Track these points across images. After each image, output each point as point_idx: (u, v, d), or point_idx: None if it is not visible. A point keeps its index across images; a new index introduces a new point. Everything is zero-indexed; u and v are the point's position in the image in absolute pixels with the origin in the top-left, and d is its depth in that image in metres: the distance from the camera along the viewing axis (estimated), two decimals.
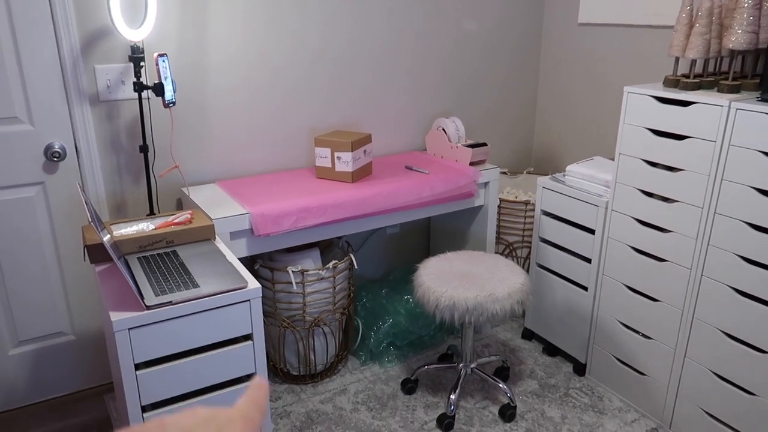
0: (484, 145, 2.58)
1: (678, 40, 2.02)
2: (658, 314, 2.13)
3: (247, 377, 1.65)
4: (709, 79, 2.02)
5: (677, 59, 2.09)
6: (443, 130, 2.64)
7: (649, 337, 2.19)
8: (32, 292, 2.20)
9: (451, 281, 2.13)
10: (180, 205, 2.37)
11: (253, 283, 1.58)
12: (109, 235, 1.63)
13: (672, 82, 2.06)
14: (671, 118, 1.97)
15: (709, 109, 1.86)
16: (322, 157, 2.35)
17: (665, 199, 2.06)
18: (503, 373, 2.49)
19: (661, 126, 2.01)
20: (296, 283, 2.25)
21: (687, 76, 2.05)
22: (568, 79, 2.97)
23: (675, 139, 1.97)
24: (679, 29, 2.02)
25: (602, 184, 2.30)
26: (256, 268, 2.30)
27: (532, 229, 2.80)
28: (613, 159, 2.58)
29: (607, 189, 2.28)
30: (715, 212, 1.89)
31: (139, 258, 1.71)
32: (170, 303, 1.47)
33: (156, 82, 1.96)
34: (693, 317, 2.01)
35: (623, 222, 2.20)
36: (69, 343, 2.31)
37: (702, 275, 1.96)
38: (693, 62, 2.02)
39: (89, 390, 2.40)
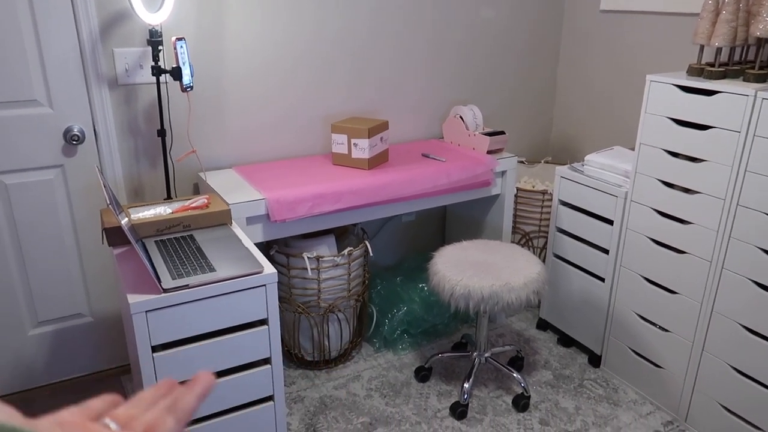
0: (502, 133, 2.55)
1: (703, 27, 1.98)
2: (676, 306, 2.10)
3: (263, 361, 1.66)
4: (734, 67, 1.97)
5: (702, 47, 2.04)
6: (461, 117, 2.62)
7: (666, 330, 2.17)
8: (51, 273, 2.22)
9: (467, 270, 2.12)
10: (196, 189, 2.38)
11: (269, 268, 1.58)
12: (126, 219, 1.64)
13: (696, 71, 2.01)
14: (695, 108, 1.93)
15: (734, 99, 1.82)
16: (339, 143, 2.34)
17: (686, 190, 2.02)
18: (517, 363, 2.48)
19: (684, 116, 1.97)
20: (311, 269, 2.25)
21: (712, 65, 2.00)
22: (589, 68, 2.93)
23: (698, 129, 1.94)
24: (705, 16, 1.97)
25: (622, 174, 2.26)
26: (271, 253, 2.31)
27: (549, 219, 2.77)
28: (633, 149, 2.54)
29: (627, 179, 2.24)
30: (737, 204, 1.85)
31: (156, 241, 1.72)
32: (187, 286, 1.48)
33: (174, 66, 1.96)
34: (712, 310, 1.98)
35: (642, 213, 2.17)
36: (87, 324, 2.34)
37: (723, 268, 1.93)
38: (718, 50, 1.98)
39: (107, 371, 2.43)
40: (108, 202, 1.43)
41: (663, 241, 2.12)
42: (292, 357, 2.48)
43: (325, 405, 2.25)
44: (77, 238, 2.23)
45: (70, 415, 0.43)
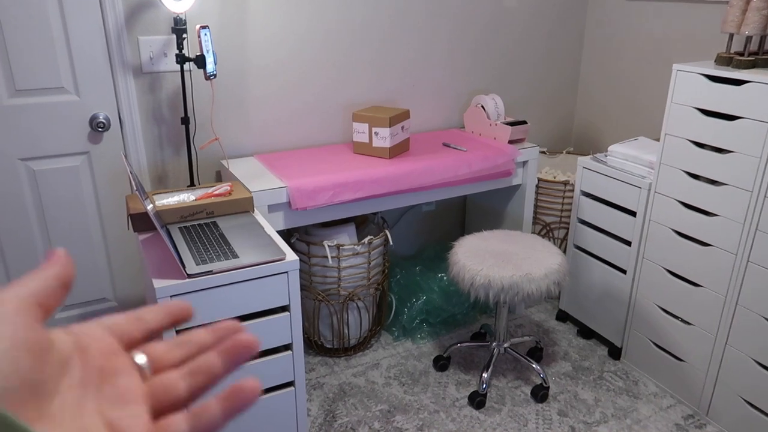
0: (524, 123, 2.53)
1: (733, 15, 1.94)
2: (700, 299, 2.08)
3: (284, 347, 1.68)
4: (764, 57, 1.93)
5: (731, 36, 2.00)
6: (482, 107, 2.60)
7: (688, 323, 2.14)
8: (77, 258, 2.27)
9: (487, 260, 2.11)
10: (219, 177, 2.40)
11: (291, 256, 1.60)
12: (152, 205, 1.66)
13: (724, 60, 1.98)
14: (723, 98, 1.90)
15: (765, 89, 1.78)
16: (360, 132, 2.34)
17: (712, 182, 1.99)
18: (536, 353, 2.47)
19: (712, 106, 1.94)
20: (332, 257, 2.27)
21: (741, 54, 1.96)
22: (613, 56, 2.89)
23: (725, 120, 1.90)
24: (735, 4, 1.93)
25: (646, 165, 2.24)
26: (292, 241, 2.33)
27: (570, 210, 2.75)
28: (657, 139, 2.50)
29: (651, 170, 2.21)
30: (765, 196, 1.82)
31: (180, 228, 1.74)
32: (210, 272, 1.49)
33: (198, 54, 1.98)
34: (737, 304, 1.96)
35: (667, 204, 2.14)
36: (111, 309, 2.39)
37: (748, 261, 1.90)
38: (748, 39, 1.94)
39: None
40: (134, 188, 1.45)
41: (687, 233, 2.09)
42: (311, 344, 2.50)
43: (344, 392, 2.27)
44: (102, 224, 2.27)
45: (101, 331, 0.35)
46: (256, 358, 1.63)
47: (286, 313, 1.63)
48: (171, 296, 1.46)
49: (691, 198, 2.05)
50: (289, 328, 1.64)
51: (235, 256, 1.56)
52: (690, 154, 2.03)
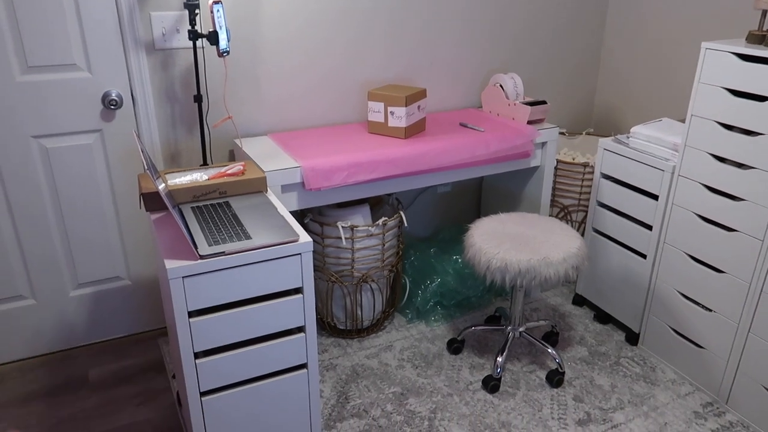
0: (544, 103, 2.46)
1: None
2: (722, 286, 2.02)
3: (297, 329, 1.66)
4: None
5: (764, 13, 1.91)
6: (500, 86, 2.54)
7: (710, 310, 2.09)
8: (91, 237, 2.26)
9: (504, 243, 2.07)
10: (232, 156, 2.37)
11: (304, 237, 1.57)
12: (164, 184, 1.64)
13: (757, 38, 1.89)
14: (754, 78, 1.82)
15: None
16: (375, 111, 2.29)
17: (739, 165, 1.92)
18: (552, 338, 2.44)
19: (742, 86, 1.86)
20: (345, 238, 2.24)
21: None
22: (637, 34, 2.79)
23: (756, 101, 1.83)
24: None
25: (670, 147, 2.17)
26: (306, 222, 2.30)
27: (589, 193, 2.69)
28: (682, 121, 2.43)
29: (675, 153, 2.15)
30: None
31: (192, 208, 1.72)
32: (223, 253, 1.47)
33: (211, 30, 1.94)
34: (761, 291, 1.90)
35: (691, 188, 2.08)
36: (125, 287, 2.39)
37: None
38: None
39: (144, 333, 2.48)
40: (145, 167, 1.43)
41: (711, 218, 2.03)
42: (324, 325, 2.49)
43: (357, 374, 2.26)
44: (116, 203, 2.26)
45: None
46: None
47: (299, 295, 1.60)
48: (183, 277, 1.44)
49: (717, 182, 1.98)
50: (302, 310, 1.62)
51: (248, 237, 1.54)
52: (717, 136, 1.96)
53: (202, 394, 1.58)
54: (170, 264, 1.43)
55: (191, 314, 1.50)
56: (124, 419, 2.03)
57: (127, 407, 2.09)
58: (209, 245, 1.49)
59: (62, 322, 2.33)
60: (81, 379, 2.23)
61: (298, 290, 1.62)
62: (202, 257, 1.45)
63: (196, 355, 1.54)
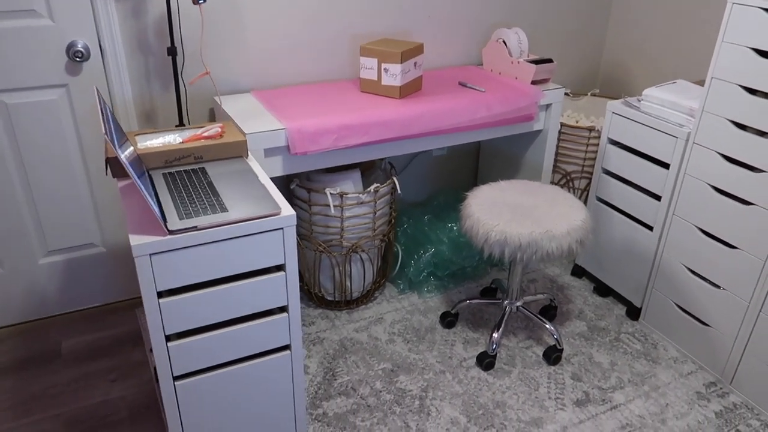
0: (550, 61, 2.28)
1: None
2: (734, 263, 1.90)
3: (279, 309, 1.53)
4: None
5: None
6: (503, 42, 2.35)
7: (718, 286, 1.98)
8: (60, 201, 2.10)
9: (504, 213, 1.93)
10: (213, 116, 2.19)
11: (287, 210, 1.42)
12: (131, 148, 1.47)
13: None
14: None
15: None
16: (368, 68, 2.11)
17: (761, 133, 1.77)
18: (550, 312, 2.33)
19: None
20: (334, 206, 2.09)
21: None
22: None
23: None
24: None
25: (685, 112, 2.01)
26: (291, 187, 2.14)
27: (593, 159, 2.54)
28: (698, 83, 2.26)
29: (691, 119, 1.99)
30: None
31: (164, 174, 1.56)
32: (195, 228, 1.32)
33: None
34: None
35: (706, 157, 1.93)
36: (99, 255, 2.24)
37: None
38: None
39: (121, 302, 2.35)
40: (104, 131, 1.26)
41: (727, 190, 1.89)
42: (312, 296, 2.36)
43: (345, 348, 2.15)
44: (86, 164, 2.09)
45: None
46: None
47: (282, 273, 1.47)
48: (150, 254, 1.29)
49: (736, 151, 1.84)
50: (284, 288, 1.49)
51: (224, 210, 1.39)
52: (739, 101, 1.80)
53: (176, 378, 1.46)
54: (136, 240, 1.28)
55: (161, 294, 1.36)
56: (97, 396, 1.92)
57: (101, 383, 1.98)
58: (180, 219, 1.34)
59: (32, 291, 2.19)
60: (53, 351, 2.11)
61: (280, 267, 1.48)
62: (171, 233, 1.31)
63: (168, 338, 1.41)
